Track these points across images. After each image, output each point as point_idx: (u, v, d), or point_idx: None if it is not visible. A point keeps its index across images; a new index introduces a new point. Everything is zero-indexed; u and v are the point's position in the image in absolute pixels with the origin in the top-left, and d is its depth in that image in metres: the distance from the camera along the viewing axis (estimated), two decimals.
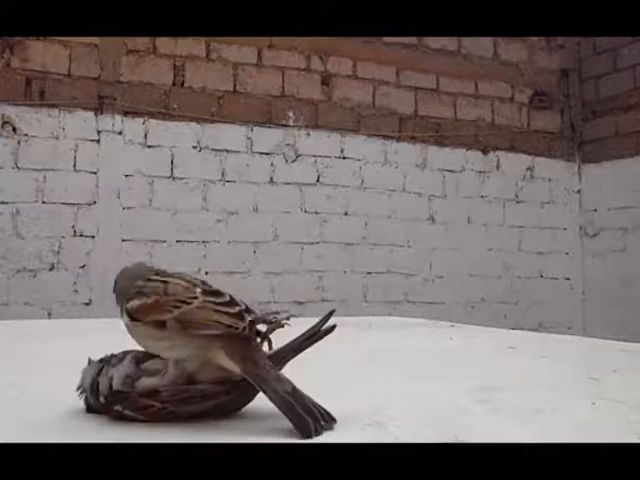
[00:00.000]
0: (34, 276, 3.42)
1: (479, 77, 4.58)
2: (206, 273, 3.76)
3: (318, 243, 4.05)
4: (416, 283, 4.28)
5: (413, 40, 4.36)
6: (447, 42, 4.47)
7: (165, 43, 3.75)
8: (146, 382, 0.66)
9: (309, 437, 0.59)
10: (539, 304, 4.61)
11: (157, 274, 0.70)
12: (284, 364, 0.69)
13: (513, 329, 2.12)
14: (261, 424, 0.68)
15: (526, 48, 4.75)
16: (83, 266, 3.51)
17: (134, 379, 0.67)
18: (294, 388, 0.62)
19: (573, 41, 4.85)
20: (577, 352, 1.44)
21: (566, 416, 0.76)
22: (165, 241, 3.69)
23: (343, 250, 4.11)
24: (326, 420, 0.60)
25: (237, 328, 0.64)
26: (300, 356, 1.28)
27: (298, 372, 1.04)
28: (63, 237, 3.50)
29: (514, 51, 4.70)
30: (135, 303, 0.67)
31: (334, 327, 0.69)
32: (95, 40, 3.58)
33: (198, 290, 0.67)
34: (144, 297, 0.67)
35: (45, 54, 3.51)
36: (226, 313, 0.65)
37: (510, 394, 0.88)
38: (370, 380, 0.98)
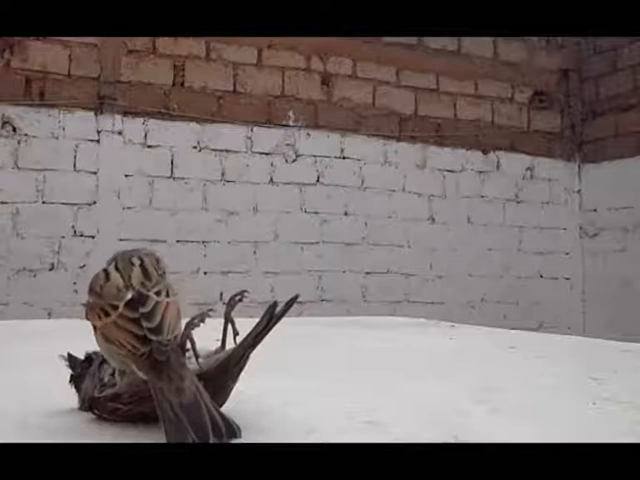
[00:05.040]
0: (34, 276, 3.43)
1: (479, 77, 4.58)
2: (205, 273, 3.77)
3: (318, 243, 4.05)
4: (416, 283, 4.28)
5: (413, 40, 4.36)
6: (447, 42, 4.47)
7: (165, 43, 3.75)
8: (107, 389, 0.69)
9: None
10: (539, 304, 4.61)
11: (124, 260, 0.69)
12: (245, 359, 0.66)
13: (513, 329, 2.12)
14: (256, 423, 0.68)
15: (526, 48, 4.75)
16: (83, 266, 3.51)
17: (106, 385, 0.69)
18: (196, 401, 0.59)
19: (573, 41, 4.85)
20: (577, 352, 1.44)
21: (566, 416, 0.76)
22: (165, 241, 3.69)
23: (343, 250, 4.11)
24: (220, 437, 0.57)
25: (135, 354, 0.63)
26: (300, 356, 1.28)
27: (297, 371, 1.04)
28: (63, 237, 3.50)
29: (514, 51, 4.70)
30: (88, 299, 0.68)
31: (295, 298, 0.65)
32: (95, 40, 3.59)
33: (126, 297, 0.65)
34: (91, 293, 0.67)
35: (45, 54, 3.51)
36: (132, 334, 0.64)
37: (510, 394, 0.88)
38: (370, 380, 0.98)
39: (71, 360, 0.75)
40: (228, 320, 0.71)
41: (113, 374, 0.69)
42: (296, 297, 0.66)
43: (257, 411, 0.73)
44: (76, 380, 0.73)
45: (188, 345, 0.67)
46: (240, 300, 0.71)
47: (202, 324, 0.66)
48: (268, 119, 3.98)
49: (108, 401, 0.67)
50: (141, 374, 0.63)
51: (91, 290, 0.68)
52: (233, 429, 0.59)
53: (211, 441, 0.56)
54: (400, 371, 1.08)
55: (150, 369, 0.62)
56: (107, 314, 0.65)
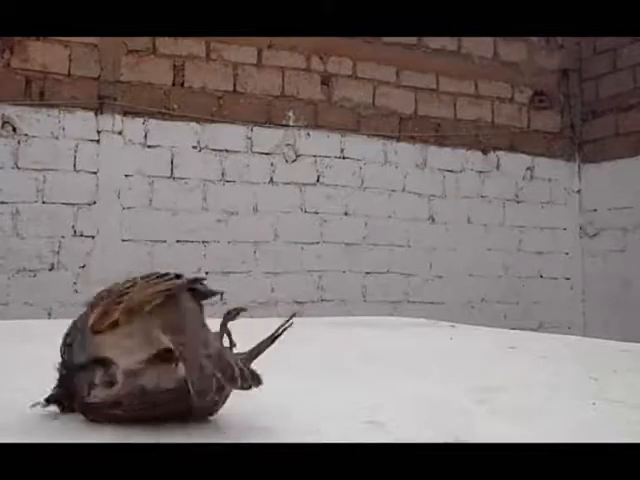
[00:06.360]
0: (34, 276, 3.43)
1: (479, 77, 4.58)
2: (206, 273, 3.76)
3: (318, 243, 4.06)
4: (416, 283, 4.29)
5: (413, 40, 4.36)
6: (447, 42, 4.47)
7: (165, 43, 3.75)
8: (103, 394, 0.65)
9: (200, 396, 0.57)
10: (539, 304, 4.61)
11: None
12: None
13: (513, 329, 2.12)
14: (255, 423, 0.68)
15: (526, 48, 4.75)
16: (83, 266, 3.51)
17: (94, 389, 0.66)
18: (220, 350, 0.60)
19: (573, 41, 4.86)
20: (577, 352, 1.44)
21: (566, 416, 0.76)
22: (165, 241, 3.70)
23: (343, 250, 4.12)
24: (247, 383, 0.57)
25: (173, 288, 0.64)
26: (299, 355, 1.28)
27: (297, 371, 1.04)
28: (63, 237, 3.50)
29: (514, 51, 4.71)
30: (92, 317, 0.66)
31: (290, 321, 0.67)
32: (95, 40, 3.59)
33: (137, 279, 0.67)
34: (95, 308, 0.66)
35: (45, 54, 3.51)
36: (165, 280, 0.65)
37: (510, 394, 0.88)
38: (370, 380, 0.98)
39: (51, 400, 0.70)
40: (224, 332, 0.70)
41: (106, 372, 0.67)
42: (293, 315, 0.68)
43: (256, 411, 0.73)
44: (59, 399, 0.69)
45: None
46: (234, 318, 0.71)
47: (238, 317, 0.68)
48: (268, 119, 3.98)
49: (105, 408, 0.64)
50: (166, 337, 0.61)
51: (94, 303, 0.66)
52: (258, 377, 0.59)
53: (238, 384, 0.56)
54: (400, 371, 1.08)
55: (175, 327, 0.62)
56: (126, 293, 0.65)
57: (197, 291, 0.69)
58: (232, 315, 0.71)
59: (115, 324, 0.64)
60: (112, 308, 0.64)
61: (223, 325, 0.70)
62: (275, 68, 4.02)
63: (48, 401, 0.70)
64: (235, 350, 0.69)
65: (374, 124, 4.25)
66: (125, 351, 0.65)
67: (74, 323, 0.69)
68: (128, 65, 3.68)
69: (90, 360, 0.67)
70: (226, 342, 0.70)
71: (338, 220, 4.12)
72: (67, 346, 0.70)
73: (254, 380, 0.58)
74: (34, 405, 0.69)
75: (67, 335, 0.70)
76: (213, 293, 0.69)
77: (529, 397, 0.87)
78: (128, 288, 0.65)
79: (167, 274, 0.68)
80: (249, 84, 3.95)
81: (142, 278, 0.67)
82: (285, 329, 0.66)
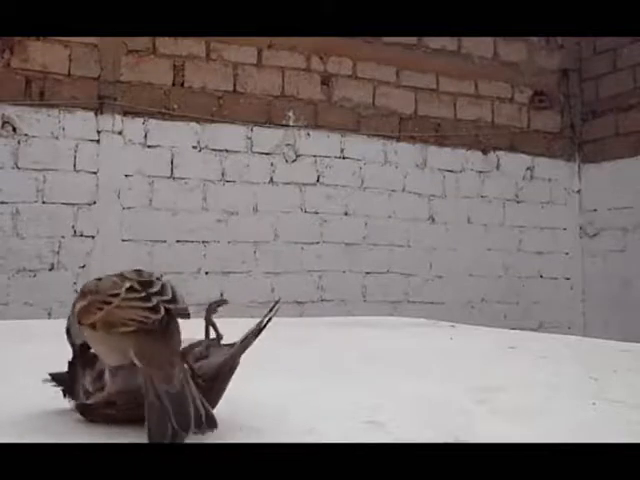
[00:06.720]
0: (34, 276, 3.42)
1: (479, 77, 4.58)
2: (206, 273, 3.76)
3: (318, 243, 4.05)
4: (416, 283, 4.28)
5: (413, 40, 4.36)
6: (447, 42, 4.47)
7: (165, 43, 3.75)
8: (97, 396, 0.67)
9: (155, 441, 0.56)
10: (539, 304, 4.61)
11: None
12: (236, 362, 0.67)
13: (513, 329, 2.12)
14: (255, 423, 0.68)
15: (526, 48, 4.75)
16: (83, 266, 3.51)
17: (90, 397, 0.68)
18: (182, 390, 0.59)
19: (573, 41, 4.85)
20: (577, 352, 1.44)
21: (566, 416, 0.76)
22: (165, 241, 3.69)
23: (343, 250, 4.11)
24: (201, 427, 0.57)
25: (148, 323, 0.62)
26: (300, 355, 1.28)
27: (297, 371, 1.04)
28: (63, 237, 3.50)
29: (514, 51, 4.71)
30: (78, 305, 0.67)
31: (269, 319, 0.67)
32: (95, 40, 3.59)
33: (125, 286, 0.65)
34: (82, 299, 0.66)
35: (45, 54, 3.51)
36: (141, 308, 0.63)
37: (510, 394, 0.88)
38: (370, 380, 0.98)
39: (55, 378, 0.73)
40: (209, 324, 0.71)
41: (99, 378, 0.68)
42: (278, 301, 0.68)
43: (256, 411, 0.73)
44: (69, 390, 0.71)
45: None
46: (215, 311, 0.71)
47: (220, 308, 0.68)
48: (268, 119, 3.98)
49: (100, 408, 0.66)
50: (137, 360, 0.61)
51: (83, 294, 0.66)
52: (214, 420, 0.58)
53: (192, 431, 0.56)
54: (400, 371, 1.08)
55: (148, 353, 0.62)
56: (108, 304, 0.64)
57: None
58: (213, 308, 0.71)
59: (94, 326, 0.65)
60: (93, 310, 0.65)
61: (206, 318, 0.71)
62: (275, 68, 4.01)
63: (54, 379, 0.72)
64: (222, 342, 0.69)
65: (374, 124, 4.25)
66: (103, 353, 0.67)
67: (73, 306, 0.70)
68: (128, 65, 3.68)
69: (84, 344, 0.69)
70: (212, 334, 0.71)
71: (338, 220, 4.12)
72: (68, 330, 0.72)
73: (209, 424, 0.57)
74: (45, 381, 0.72)
75: (70, 317, 0.72)
76: (187, 314, 0.67)
77: (529, 397, 0.87)
78: (113, 296, 0.64)
79: (154, 287, 0.65)
80: (249, 84, 3.95)
81: (127, 290, 0.64)
82: (270, 319, 0.66)
